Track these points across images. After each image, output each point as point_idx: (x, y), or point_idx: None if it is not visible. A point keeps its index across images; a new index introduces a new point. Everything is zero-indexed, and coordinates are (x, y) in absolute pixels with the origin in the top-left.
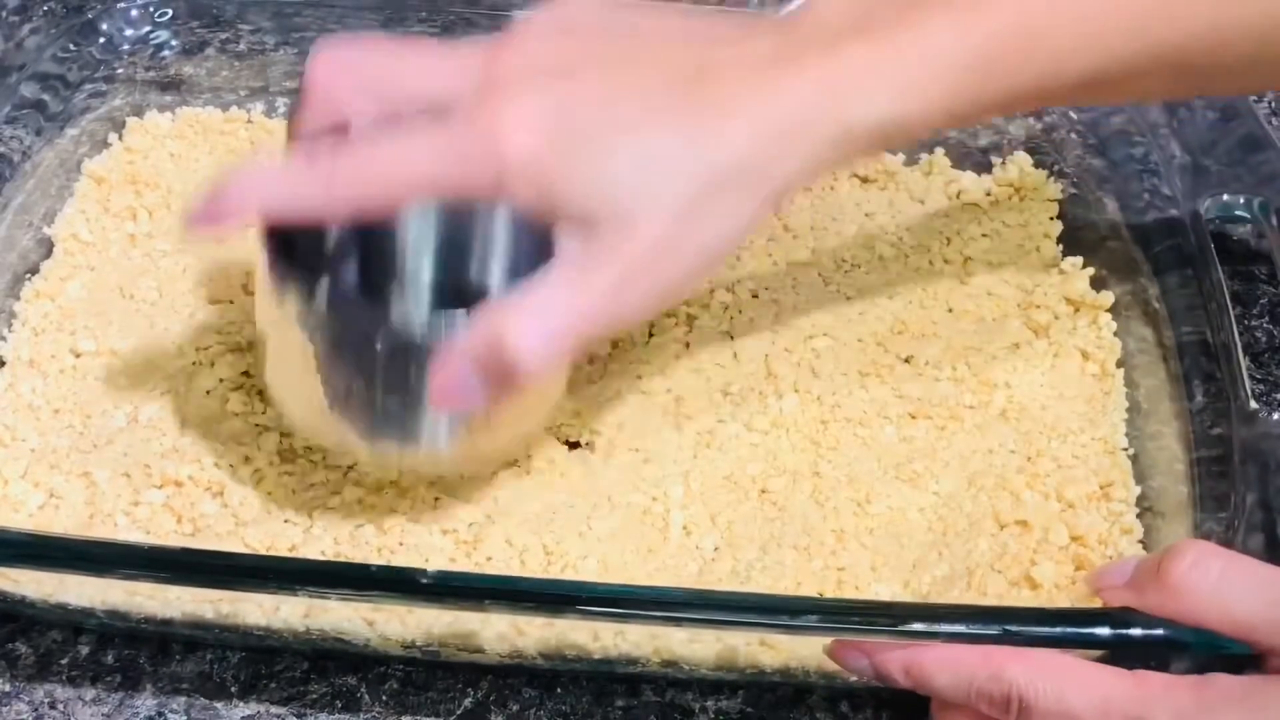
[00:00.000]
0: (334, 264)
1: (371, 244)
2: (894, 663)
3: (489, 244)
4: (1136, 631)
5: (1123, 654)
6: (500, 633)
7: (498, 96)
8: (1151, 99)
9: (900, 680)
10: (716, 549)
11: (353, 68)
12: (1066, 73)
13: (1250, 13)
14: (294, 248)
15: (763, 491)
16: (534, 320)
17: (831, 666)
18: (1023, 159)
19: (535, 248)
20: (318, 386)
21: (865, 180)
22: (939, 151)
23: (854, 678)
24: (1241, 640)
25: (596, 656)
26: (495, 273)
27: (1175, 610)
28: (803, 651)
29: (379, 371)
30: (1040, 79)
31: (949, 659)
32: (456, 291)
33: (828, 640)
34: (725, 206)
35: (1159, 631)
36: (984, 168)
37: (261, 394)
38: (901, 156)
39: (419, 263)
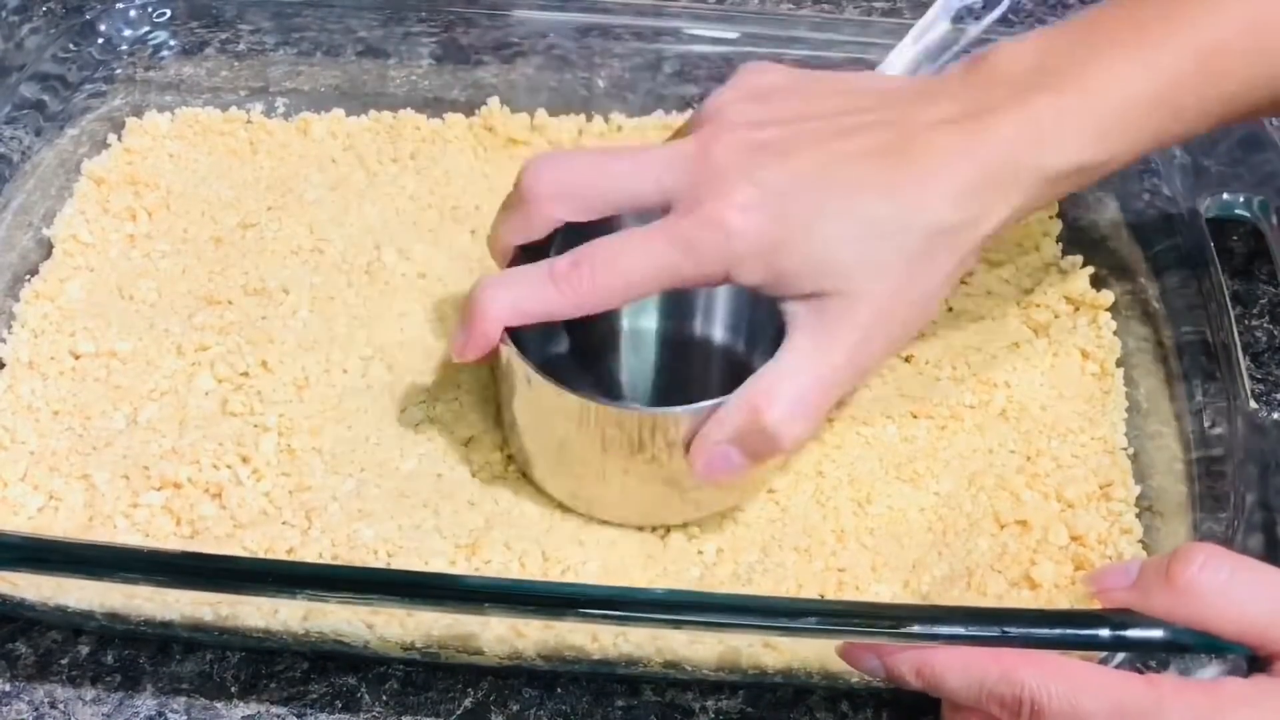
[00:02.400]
0: (568, 361)
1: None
2: (906, 664)
3: (710, 306)
4: (1136, 633)
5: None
6: (499, 635)
7: (718, 186)
8: None
9: (912, 681)
10: (719, 551)
11: (561, 178)
12: (1249, 100)
13: None
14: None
15: (769, 491)
16: (787, 397)
17: (831, 667)
18: None
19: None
20: (572, 465)
21: None
22: None
23: (857, 678)
24: (1251, 644)
25: (596, 658)
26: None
27: (1184, 613)
28: (804, 652)
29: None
30: (1225, 108)
31: (960, 660)
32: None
33: (830, 641)
34: (939, 262)
35: (1158, 633)
36: None
37: (261, 395)
38: None
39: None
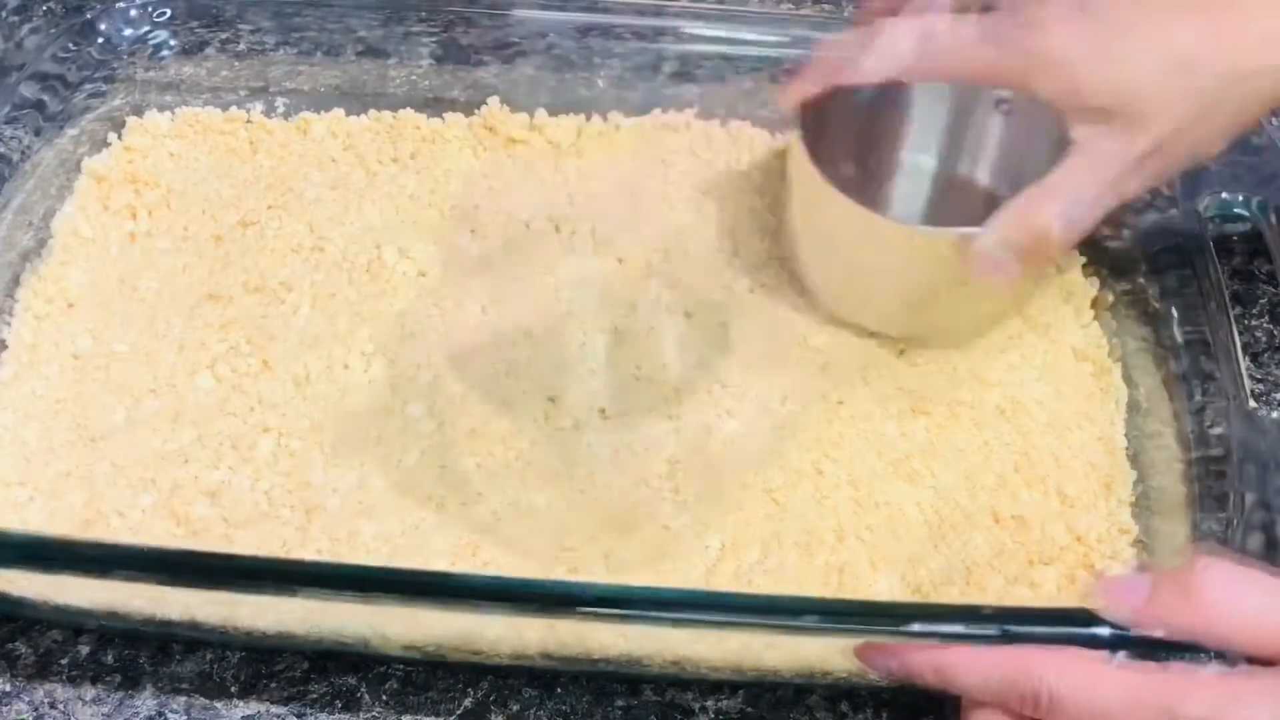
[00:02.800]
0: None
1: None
2: (923, 664)
3: (982, 145)
4: (1135, 632)
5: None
6: (500, 634)
7: None
8: None
9: (931, 680)
10: (723, 547)
11: None
12: None
13: None
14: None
15: (764, 490)
16: (1061, 202)
17: (831, 666)
18: None
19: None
20: (848, 262)
21: None
22: None
23: (854, 676)
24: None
25: (597, 656)
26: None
27: (1207, 632)
28: (806, 650)
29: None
30: None
31: (977, 658)
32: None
33: (830, 640)
34: (1232, 105)
35: (1158, 631)
36: None
37: (261, 392)
38: None
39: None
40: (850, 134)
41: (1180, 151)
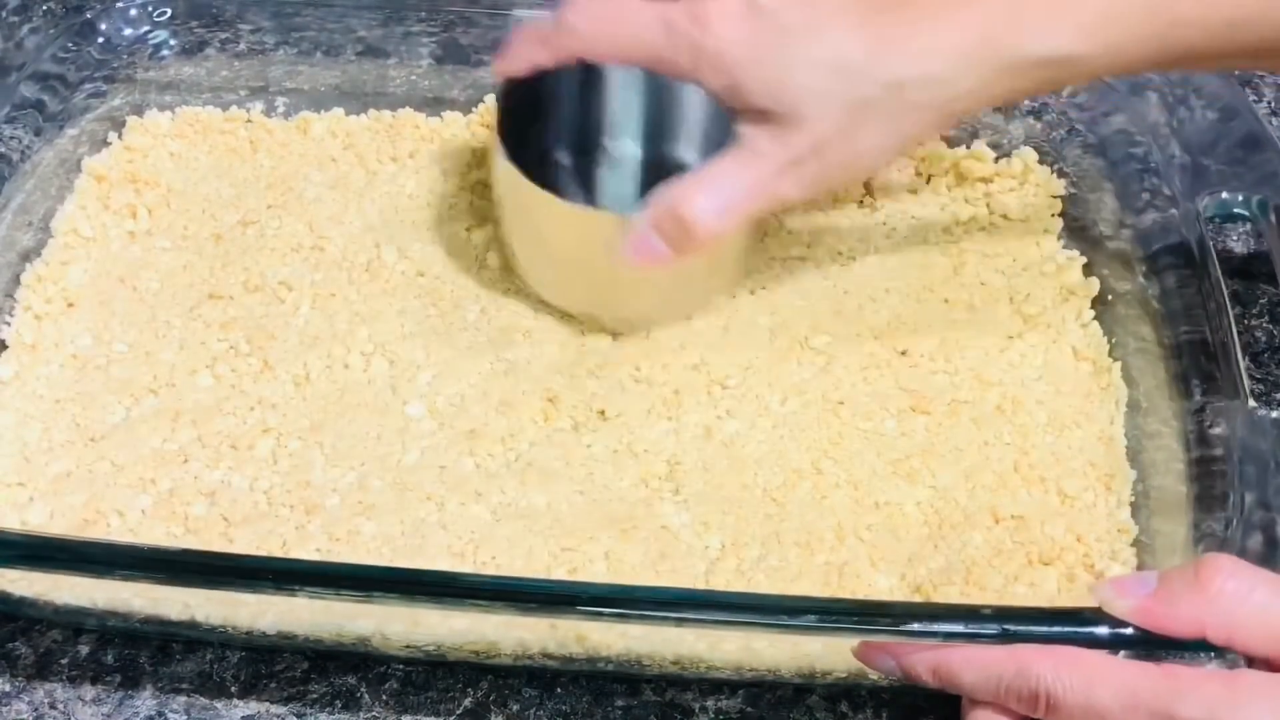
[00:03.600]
0: (552, 147)
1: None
2: (921, 664)
3: (687, 127)
4: (1133, 630)
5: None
6: (500, 634)
7: None
8: None
9: (929, 680)
10: (723, 546)
11: None
12: (1255, 32)
13: None
14: (521, 130)
15: (764, 489)
16: (708, 192)
17: (831, 665)
18: (1028, 154)
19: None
20: (544, 247)
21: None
22: (938, 139)
23: (873, 676)
24: (1274, 656)
25: (597, 656)
26: (691, 153)
27: (1213, 621)
28: (806, 649)
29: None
30: (1229, 35)
31: (975, 658)
32: (658, 168)
33: (831, 638)
34: (892, 115)
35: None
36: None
37: (261, 391)
38: None
39: (625, 142)
40: (561, 116)
41: (839, 158)
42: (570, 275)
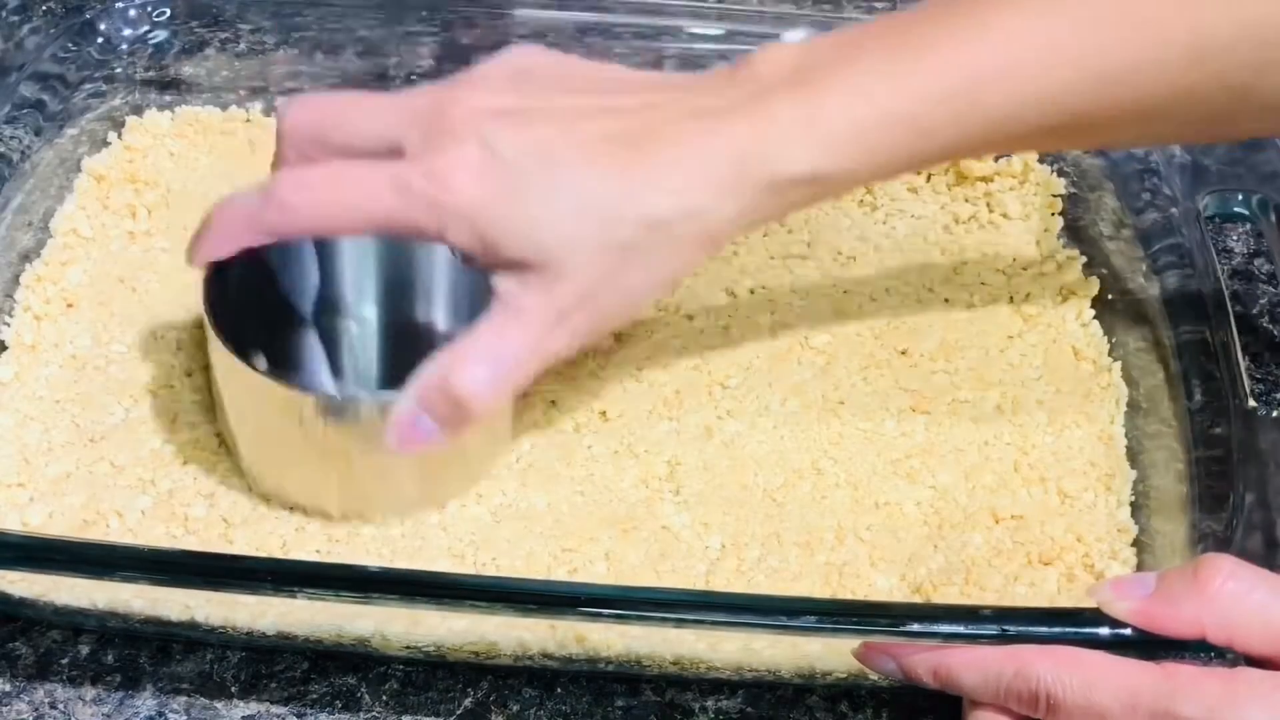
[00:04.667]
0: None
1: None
2: (921, 664)
3: (433, 292)
4: (1134, 631)
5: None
6: (500, 634)
7: (446, 139)
8: (1107, 145)
9: (929, 681)
10: (723, 547)
11: (315, 116)
12: (1013, 129)
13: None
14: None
15: (764, 489)
16: (477, 363)
17: (831, 665)
18: (1028, 153)
19: (478, 294)
20: (268, 443)
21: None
22: None
23: (873, 676)
24: (1273, 656)
25: (597, 656)
26: (441, 319)
27: (1213, 619)
28: (807, 648)
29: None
30: (986, 132)
31: (975, 658)
32: (401, 334)
33: (831, 639)
34: (658, 252)
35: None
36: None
37: None
38: None
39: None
40: (282, 295)
41: (609, 303)
42: (306, 469)
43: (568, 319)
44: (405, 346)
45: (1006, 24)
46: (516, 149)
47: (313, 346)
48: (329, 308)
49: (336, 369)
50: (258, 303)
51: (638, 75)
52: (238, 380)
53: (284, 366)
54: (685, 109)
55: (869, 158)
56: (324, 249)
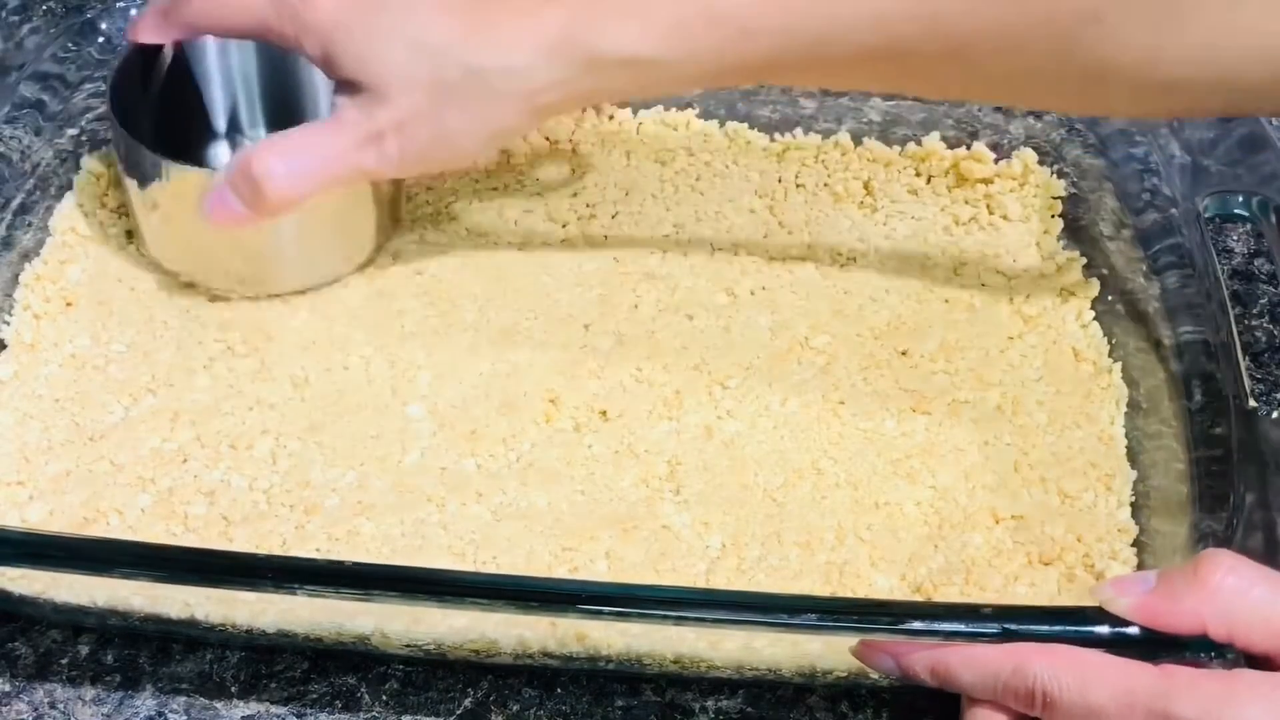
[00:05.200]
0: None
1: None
2: (919, 663)
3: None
4: (1135, 630)
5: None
6: (500, 633)
7: None
8: (946, 96)
9: (927, 680)
10: (724, 546)
11: None
12: (836, 48)
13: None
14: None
15: (764, 489)
16: (283, 155)
17: (831, 664)
18: (1028, 154)
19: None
20: (167, 221)
21: (865, 184)
22: (938, 139)
23: (873, 676)
24: (1273, 652)
25: (597, 656)
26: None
27: (1213, 615)
28: (807, 648)
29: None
30: (810, 47)
31: (973, 657)
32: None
33: (831, 637)
34: (476, 100)
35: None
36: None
37: (259, 393)
38: (897, 147)
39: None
40: (181, 90)
41: (424, 136)
42: (195, 244)
43: (381, 140)
44: None
45: None
46: None
47: (211, 155)
48: (228, 124)
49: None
50: (167, 112)
51: None
52: (139, 166)
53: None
54: None
55: (688, 50)
56: (225, 71)
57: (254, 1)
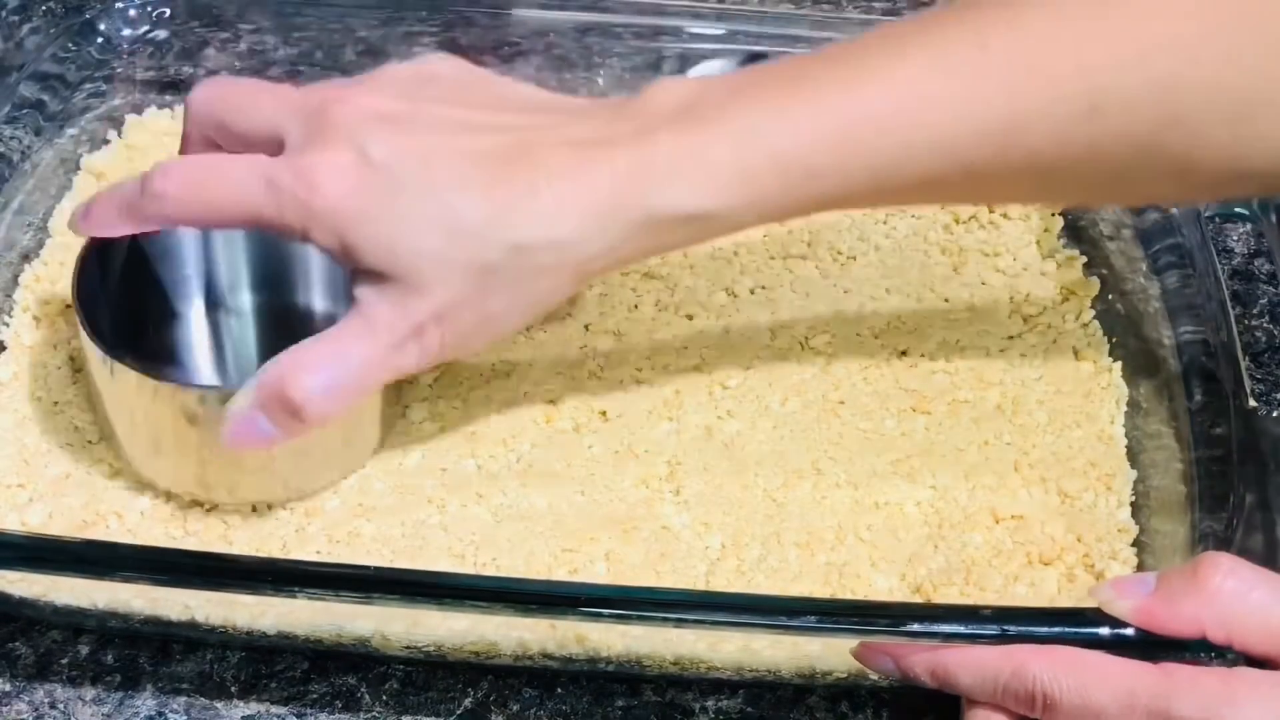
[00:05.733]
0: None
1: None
2: (919, 665)
3: (311, 277)
4: (1134, 631)
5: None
6: (500, 634)
7: (323, 138)
8: (1012, 201)
9: (926, 681)
10: (723, 547)
11: (218, 99)
12: (903, 176)
13: (1109, 132)
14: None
15: (764, 489)
16: (317, 369)
17: (831, 665)
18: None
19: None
20: (143, 430)
21: None
22: None
23: (873, 676)
24: (1272, 655)
25: (597, 656)
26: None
27: (1212, 617)
28: (807, 648)
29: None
30: (874, 178)
31: (973, 658)
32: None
33: (831, 638)
34: (522, 278)
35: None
36: None
37: None
38: None
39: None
40: (163, 285)
41: (468, 324)
42: (175, 456)
43: (421, 335)
44: (285, 333)
45: (895, 72)
46: (389, 155)
47: (193, 336)
48: (210, 296)
49: (221, 358)
50: (139, 292)
51: (545, 96)
52: (101, 370)
53: (164, 356)
54: (568, 135)
55: (753, 198)
56: (204, 237)
57: (246, 192)
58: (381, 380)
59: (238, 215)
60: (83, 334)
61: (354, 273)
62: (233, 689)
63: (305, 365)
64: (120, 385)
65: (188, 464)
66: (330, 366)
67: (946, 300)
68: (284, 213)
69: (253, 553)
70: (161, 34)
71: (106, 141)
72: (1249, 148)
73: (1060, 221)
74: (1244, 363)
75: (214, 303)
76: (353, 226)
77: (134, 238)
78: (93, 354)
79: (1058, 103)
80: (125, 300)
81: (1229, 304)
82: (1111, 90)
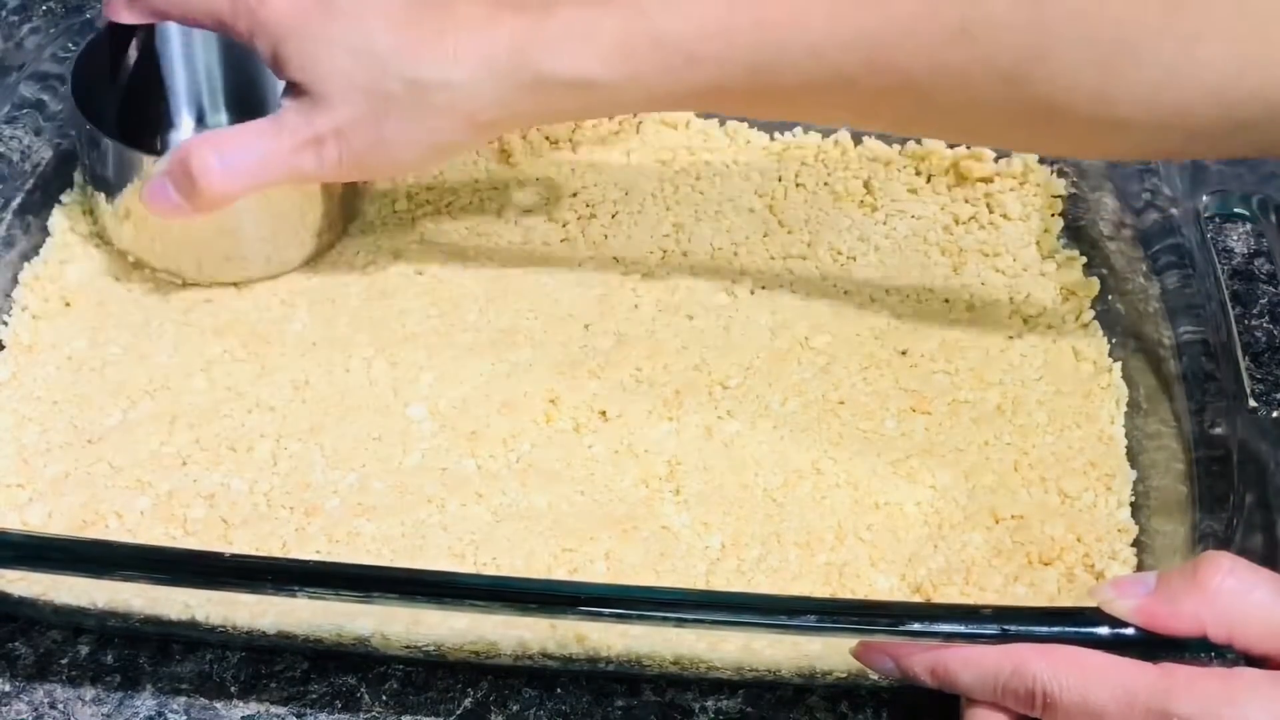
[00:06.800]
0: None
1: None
2: (919, 664)
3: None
4: (1134, 630)
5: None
6: (500, 634)
7: None
8: (898, 131)
9: (926, 680)
10: (723, 547)
11: None
12: (782, 79)
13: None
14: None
15: (764, 489)
16: (221, 151)
17: (831, 665)
18: (1028, 154)
19: None
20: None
21: (865, 183)
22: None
23: (873, 676)
24: (1272, 653)
25: (597, 656)
26: None
27: (1212, 617)
28: (809, 648)
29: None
30: (754, 78)
31: (973, 657)
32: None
33: (831, 638)
34: (415, 112)
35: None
36: None
37: (259, 395)
38: (897, 146)
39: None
40: (145, 78)
41: (363, 144)
42: (146, 228)
43: (320, 144)
44: None
45: None
46: None
47: (172, 141)
48: (192, 114)
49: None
50: (128, 111)
51: None
52: (97, 149)
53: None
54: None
55: (633, 73)
56: (190, 71)
57: None
58: (277, 176)
59: (204, 16)
60: (73, 111)
61: (282, 81)
62: (232, 689)
63: (211, 143)
64: (101, 158)
65: (147, 231)
66: (233, 151)
67: (946, 300)
68: (238, 19)
69: (253, 552)
70: None
71: None
72: (1117, 92)
73: (1060, 222)
74: (1244, 363)
75: (197, 120)
76: (285, 40)
77: (133, 58)
78: (81, 130)
79: (929, 19)
80: (118, 104)
81: (1229, 304)
82: (980, 9)
